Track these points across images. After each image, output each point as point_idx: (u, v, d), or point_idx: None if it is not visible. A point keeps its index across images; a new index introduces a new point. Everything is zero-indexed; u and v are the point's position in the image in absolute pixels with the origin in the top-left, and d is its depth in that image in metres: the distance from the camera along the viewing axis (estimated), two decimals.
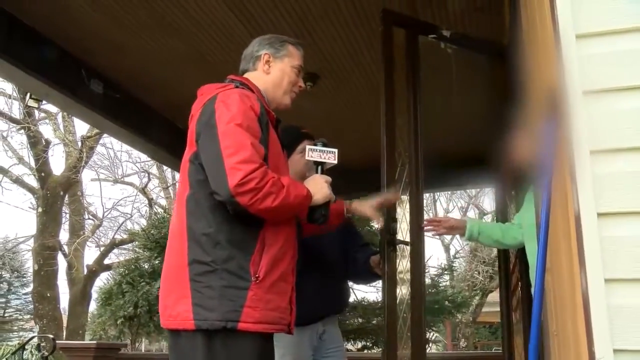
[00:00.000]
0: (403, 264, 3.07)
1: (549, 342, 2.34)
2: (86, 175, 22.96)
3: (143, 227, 12.16)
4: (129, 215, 17.57)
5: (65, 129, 14.75)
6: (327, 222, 2.09)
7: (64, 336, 13.60)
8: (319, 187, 2.01)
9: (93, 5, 4.03)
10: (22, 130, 14.21)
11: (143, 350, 15.59)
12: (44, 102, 6.66)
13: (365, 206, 2.58)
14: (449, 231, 3.09)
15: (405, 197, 3.14)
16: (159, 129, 5.61)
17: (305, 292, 2.64)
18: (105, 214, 17.44)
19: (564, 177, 1.58)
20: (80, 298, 14.54)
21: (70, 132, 14.81)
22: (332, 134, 5.69)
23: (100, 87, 4.96)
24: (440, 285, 11.85)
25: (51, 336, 5.99)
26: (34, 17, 4.22)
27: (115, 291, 9.75)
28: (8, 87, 13.45)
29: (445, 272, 13.13)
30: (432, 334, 13.28)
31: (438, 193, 19.20)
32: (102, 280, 14.10)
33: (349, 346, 10.48)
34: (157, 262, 9.46)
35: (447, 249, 21.31)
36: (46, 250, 13.75)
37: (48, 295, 13.72)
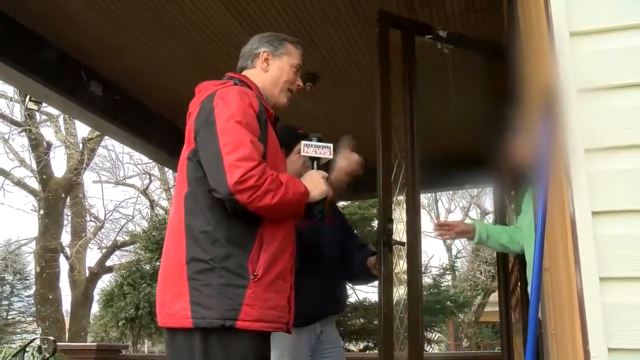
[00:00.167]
0: (400, 265, 3.07)
1: (547, 342, 2.33)
2: (88, 177, 23.04)
3: (144, 228, 12.19)
4: (130, 217, 17.60)
5: (66, 131, 14.78)
6: (324, 218, 2.09)
7: (67, 338, 13.63)
8: (315, 184, 2.01)
9: (91, 7, 4.03)
10: (24, 133, 14.24)
11: (146, 352, 15.59)
12: (44, 104, 6.67)
13: (339, 173, 2.56)
14: (458, 235, 3.07)
15: (402, 198, 3.14)
16: (158, 130, 5.61)
17: (303, 293, 2.64)
18: (107, 215, 17.50)
19: (560, 176, 1.57)
20: (83, 300, 14.56)
21: (72, 134, 14.84)
22: (331, 134, 5.74)
23: (99, 88, 4.95)
24: (442, 285, 11.86)
25: (52, 338, 5.99)
26: (32, 19, 4.21)
27: (116, 293, 9.79)
28: (9, 89, 13.50)
29: (447, 272, 13.12)
30: (434, 334, 13.28)
31: (439, 193, 19.22)
32: (104, 282, 14.12)
33: (351, 346, 10.48)
34: (158, 263, 9.47)
35: (449, 248, 21.30)
36: (48, 253, 13.78)
37: (50, 297, 13.74)
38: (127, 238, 16.00)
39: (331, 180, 2.34)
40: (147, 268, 10.00)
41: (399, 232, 3.08)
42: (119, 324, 9.34)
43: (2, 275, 23.07)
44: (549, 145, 1.60)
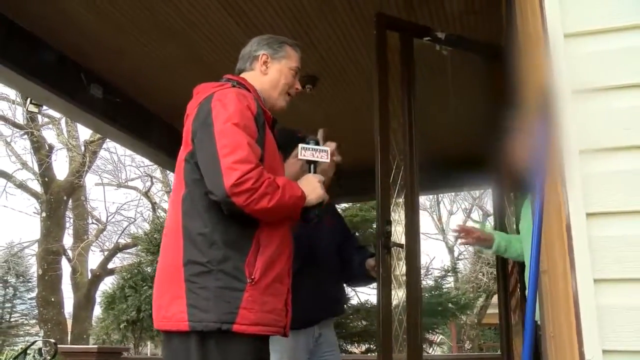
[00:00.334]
0: (399, 267, 3.07)
1: (546, 344, 2.33)
2: (90, 179, 23.04)
3: (146, 231, 12.20)
4: (132, 220, 17.60)
5: (68, 134, 14.81)
6: (320, 222, 2.08)
7: (69, 340, 13.64)
8: (312, 188, 2.00)
9: (91, 10, 4.03)
10: (26, 135, 14.28)
11: (149, 354, 15.59)
12: (44, 107, 6.68)
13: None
14: (477, 242, 3.04)
15: (401, 200, 3.13)
16: (159, 132, 5.61)
17: (301, 295, 2.64)
18: (109, 218, 17.50)
19: (556, 177, 1.57)
20: (85, 302, 14.58)
21: (74, 136, 14.87)
22: (332, 136, 5.74)
23: (100, 91, 4.96)
24: (444, 287, 11.85)
25: (53, 340, 6.00)
26: (32, 22, 4.22)
27: (118, 295, 9.79)
28: (11, 92, 13.53)
29: (449, 274, 13.10)
30: (437, 336, 13.26)
31: (441, 195, 19.21)
32: (106, 284, 14.15)
33: (353, 349, 10.48)
34: None
35: (450, 250, 21.29)
36: (50, 255, 13.80)
37: (52, 299, 13.77)
38: (129, 240, 16.01)
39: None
40: (149, 270, 9.99)
41: (398, 234, 3.08)
42: (121, 326, 9.34)
43: (5, 278, 23.09)
44: (545, 147, 1.60)
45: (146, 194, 16.89)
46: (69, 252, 15.36)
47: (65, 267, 15.07)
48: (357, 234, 9.69)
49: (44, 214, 14.23)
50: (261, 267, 1.84)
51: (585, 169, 1.46)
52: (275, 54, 2.20)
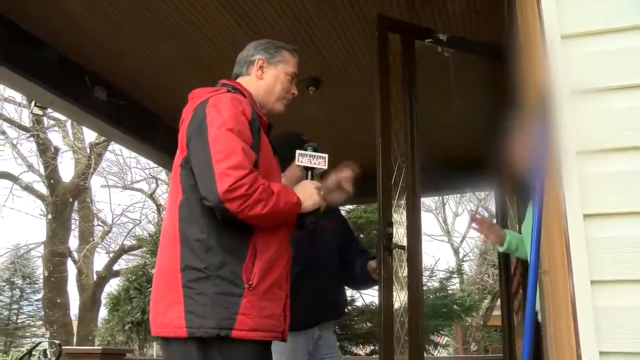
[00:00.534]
0: (401, 269, 3.06)
1: (547, 345, 2.32)
2: (95, 181, 23.12)
3: (151, 233, 12.22)
4: (137, 221, 17.64)
5: (74, 136, 14.87)
6: (316, 228, 2.07)
7: (75, 342, 13.69)
8: (308, 194, 1.99)
9: (94, 12, 4.04)
10: (32, 138, 14.34)
11: (154, 355, 15.63)
12: (49, 109, 6.70)
13: (333, 195, 2.31)
14: (488, 233, 3.05)
15: (402, 202, 3.13)
16: (162, 134, 5.61)
17: (302, 298, 2.64)
18: (114, 220, 17.55)
19: (555, 178, 1.57)
20: (90, 304, 14.63)
21: (79, 139, 14.92)
22: (335, 137, 5.74)
23: (104, 93, 4.96)
24: (449, 288, 11.81)
25: (57, 342, 6.02)
26: (36, 25, 4.23)
27: (123, 297, 9.81)
28: (17, 95, 13.58)
29: (454, 275, 13.08)
30: (442, 338, 13.24)
31: (447, 196, 19.19)
32: (112, 286, 14.19)
33: (357, 350, 10.47)
34: None
35: (456, 252, 21.26)
36: (56, 257, 13.86)
37: (58, 301, 13.82)
38: (134, 242, 16.04)
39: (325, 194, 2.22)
40: (154, 272, 10.01)
41: (400, 235, 3.08)
42: (125, 327, 9.35)
43: (12, 280, 23.19)
44: (544, 148, 1.60)
45: (151, 196, 16.92)
46: (75, 254, 15.42)
47: (71, 269, 15.15)
48: (361, 235, 9.68)
49: (49, 216, 14.29)
50: (259, 273, 1.83)
51: (583, 170, 1.46)
52: (272, 59, 2.19)
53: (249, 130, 1.91)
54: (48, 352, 6.00)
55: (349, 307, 9.90)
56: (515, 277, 3.45)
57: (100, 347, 6.48)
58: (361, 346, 10.50)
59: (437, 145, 5.02)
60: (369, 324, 10.04)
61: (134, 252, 16.43)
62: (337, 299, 2.92)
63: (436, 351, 11.59)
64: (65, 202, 14.25)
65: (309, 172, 2.11)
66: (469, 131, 4.32)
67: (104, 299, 13.97)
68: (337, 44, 4.41)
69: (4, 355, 14.71)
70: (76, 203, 15.00)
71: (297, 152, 2.10)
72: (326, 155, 2.12)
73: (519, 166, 2.32)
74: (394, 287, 2.93)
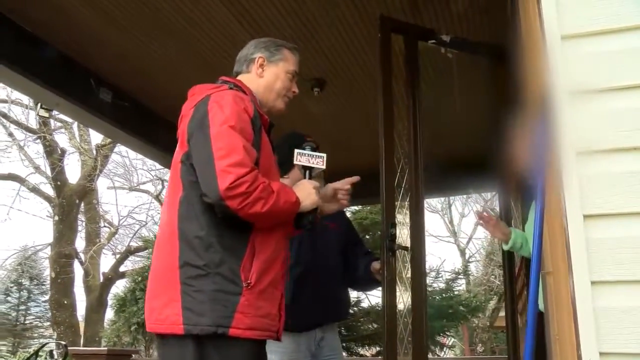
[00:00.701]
0: (405, 270, 3.06)
1: (550, 346, 2.32)
2: (101, 183, 23.18)
3: (157, 234, 12.23)
4: (144, 223, 17.67)
5: (80, 138, 14.93)
6: (314, 228, 2.07)
7: (82, 343, 13.72)
8: (307, 194, 1.98)
9: (97, 14, 4.05)
10: (39, 140, 14.41)
11: None
12: (54, 112, 6.73)
13: (327, 205, 2.28)
14: (494, 230, 3.07)
15: (406, 203, 3.13)
16: (166, 135, 5.61)
17: (303, 299, 2.66)
18: (121, 221, 17.57)
19: (556, 179, 1.56)
20: (97, 305, 14.68)
21: (86, 140, 14.98)
22: (340, 138, 5.74)
23: (109, 95, 4.98)
24: (455, 289, 11.78)
25: (63, 342, 6.04)
26: (41, 27, 4.25)
27: (129, 298, 9.83)
28: (24, 97, 13.64)
29: (460, 277, 13.05)
30: (448, 339, 13.19)
31: (453, 197, 19.16)
32: (118, 287, 14.22)
33: (363, 351, 10.46)
34: None
35: (462, 253, 21.22)
36: (63, 258, 13.92)
37: (65, 302, 13.89)
38: (140, 243, 16.07)
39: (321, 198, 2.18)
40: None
41: (403, 236, 3.08)
42: (131, 328, 9.38)
43: (20, 281, 23.27)
44: (545, 149, 1.60)
45: (157, 198, 16.95)
46: (82, 255, 15.46)
47: (78, 270, 15.20)
48: (367, 237, 9.67)
49: (56, 218, 14.36)
50: (257, 272, 1.84)
51: (583, 170, 1.46)
52: (272, 57, 2.19)
53: (250, 128, 1.91)
54: (55, 352, 6.02)
55: (355, 308, 9.89)
56: (520, 278, 3.45)
57: (106, 348, 6.50)
58: (367, 347, 10.49)
59: (440, 146, 5.02)
60: (374, 325, 10.03)
61: (140, 254, 16.45)
62: (339, 300, 2.92)
63: (442, 352, 11.56)
64: (72, 204, 14.31)
65: (307, 172, 2.10)
66: (472, 132, 4.32)
67: (110, 300, 14.04)
68: (340, 45, 4.41)
69: (12, 356, 14.77)
70: (83, 205, 15.06)
71: (296, 151, 2.10)
72: (324, 155, 2.11)
73: (521, 166, 2.32)
74: (397, 288, 2.93)
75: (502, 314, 17.59)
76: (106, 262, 17.72)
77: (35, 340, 22.20)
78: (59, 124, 14.68)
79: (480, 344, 18.26)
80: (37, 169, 15.43)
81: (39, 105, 5.69)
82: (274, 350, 2.61)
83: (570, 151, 1.47)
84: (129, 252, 16.47)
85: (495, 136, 3.13)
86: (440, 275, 11.31)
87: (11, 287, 22.99)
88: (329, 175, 2.95)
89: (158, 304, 1.85)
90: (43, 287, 23.12)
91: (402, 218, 3.14)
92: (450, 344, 15.79)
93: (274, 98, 2.18)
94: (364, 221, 9.75)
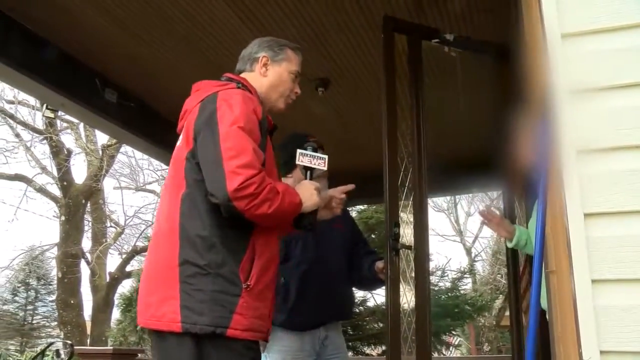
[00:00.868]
0: (409, 269, 3.06)
1: (554, 345, 2.32)
2: (107, 183, 23.25)
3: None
4: (150, 223, 17.70)
5: (86, 138, 14.98)
6: (314, 229, 2.08)
7: (88, 342, 13.77)
8: (308, 195, 1.99)
9: (102, 15, 4.06)
10: (45, 140, 14.47)
11: None
12: (60, 112, 6.77)
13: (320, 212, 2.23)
14: (497, 228, 3.07)
15: (409, 202, 3.13)
16: (172, 136, 5.62)
17: (307, 298, 2.67)
18: (127, 221, 17.61)
19: (557, 178, 1.57)
20: (103, 305, 14.73)
21: (92, 141, 15.04)
22: (344, 138, 5.75)
23: (114, 96, 4.99)
24: (461, 288, 11.76)
25: (69, 342, 6.08)
26: (45, 28, 4.27)
27: (135, 298, 9.86)
28: (31, 98, 13.70)
29: (466, 276, 13.02)
30: (455, 338, 13.17)
31: (459, 196, 19.13)
32: (124, 287, 14.26)
33: (369, 351, 10.45)
34: None
35: (468, 252, 21.19)
36: (69, 258, 13.98)
37: (72, 302, 13.94)
38: (146, 243, 16.10)
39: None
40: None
41: (407, 236, 3.08)
42: (137, 328, 9.41)
43: (27, 281, 23.36)
44: (547, 147, 1.60)
45: None
46: (88, 255, 15.52)
47: (84, 270, 15.26)
48: (372, 236, 9.67)
49: (63, 218, 14.42)
50: (257, 274, 1.85)
51: (583, 169, 1.46)
52: (276, 57, 2.18)
53: (258, 129, 1.91)
54: (61, 352, 6.06)
55: (361, 308, 9.89)
56: (524, 277, 3.44)
57: (111, 348, 6.52)
58: (373, 346, 10.49)
59: (444, 145, 5.02)
60: (380, 325, 10.03)
61: (146, 254, 16.50)
62: (344, 300, 2.93)
63: (448, 351, 11.54)
64: (78, 204, 14.37)
65: (309, 172, 2.11)
66: (476, 131, 4.31)
67: (116, 299, 14.05)
68: (345, 44, 4.41)
69: (20, 355, 14.84)
70: (89, 205, 15.12)
71: (298, 151, 2.11)
72: (326, 157, 2.13)
73: (524, 165, 2.32)
74: (401, 287, 2.93)
75: (509, 313, 17.55)
76: (112, 262, 17.81)
77: (43, 339, 22.27)
78: (65, 125, 14.74)
79: (486, 343, 18.23)
80: (43, 169, 15.51)
81: (44, 106, 5.72)
82: (278, 349, 2.63)
83: (571, 150, 1.47)
84: (135, 252, 16.51)
85: (499, 135, 3.13)
86: (446, 275, 11.28)
87: (19, 287, 23.07)
88: (333, 175, 2.96)
89: (154, 300, 1.85)
90: (50, 287, 23.19)
91: (406, 217, 3.14)
92: (456, 343, 15.78)
93: (275, 98, 2.18)
94: (369, 220, 9.75)
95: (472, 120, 4.51)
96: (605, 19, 1.52)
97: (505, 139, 2.72)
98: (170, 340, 1.82)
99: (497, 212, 3.32)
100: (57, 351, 5.74)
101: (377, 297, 10.65)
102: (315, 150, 2.12)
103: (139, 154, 15.89)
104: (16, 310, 22.89)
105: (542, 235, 1.78)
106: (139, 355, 6.67)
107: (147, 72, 4.89)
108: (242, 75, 2.19)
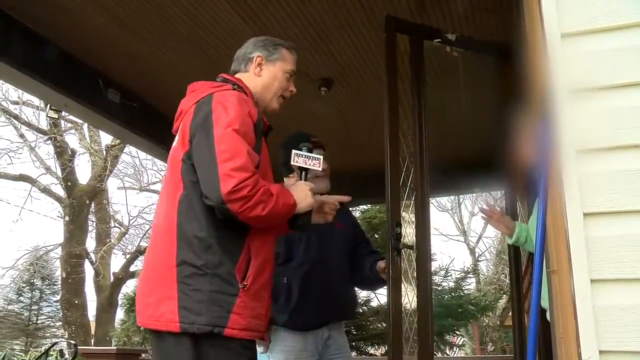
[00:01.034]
0: (411, 269, 3.07)
1: (555, 345, 2.32)
2: (111, 183, 23.27)
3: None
4: None
5: (90, 139, 15.01)
6: (308, 229, 2.08)
7: (92, 342, 13.80)
8: (303, 196, 1.99)
9: (105, 16, 4.07)
10: (49, 141, 14.50)
11: None
12: (64, 113, 6.77)
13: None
14: (497, 224, 3.07)
15: (411, 202, 3.13)
16: (174, 136, 5.64)
17: (310, 298, 2.67)
18: (131, 221, 17.65)
19: (557, 177, 1.57)
20: (107, 305, 14.75)
21: (96, 141, 15.07)
22: (347, 138, 5.75)
23: (117, 96, 5.00)
24: (465, 288, 11.74)
25: (73, 342, 6.10)
26: (48, 28, 4.28)
27: None
28: (35, 98, 13.73)
29: (469, 275, 13.00)
30: (458, 338, 13.14)
31: (463, 196, 19.10)
32: (128, 287, 14.29)
33: (373, 351, 10.44)
34: None
35: (472, 251, 21.16)
36: (73, 258, 14.00)
37: (76, 302, 13.97)
38: None
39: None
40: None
41: (409, 236, 3.08)
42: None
43: (32, 281, 23.43)
44: (547, 147, 1.60)
45: None
46: (92, 255, 15.56)
47: (88, 270, 15.29)
48: (376, 235, 9.66)
49: (67, 218, 14.45)
50: (253, 274, 1.86)
51: (583, 168, 1.46)
52: (270, 56, 2.19)
53: (253, 132, 1.92)
54: (65, 351, 6.08)
55: (364, 308, 9.88)
56: (526, 276, 3.44)
57: (115, 348, 6.54)
58: (376, 346, 10.48)
59: (446, 145, 5.01)
60: (384, 325, 10.02)
61: None
62: (346, 299, 2.93)
63: (452, 351, 11.52)
64: (82, 204, 14.40)
65: (304, 173, 2.11)
66: (478, 131, 4.31)
67: (120, 300, 14.10)
68: (347, 44, 4.41)
69: (25, 355, 14.89)
70: (93, 205, 15.15)
71: (293, 152, 2.11)
72: (321, 157, 2.12)
73: (525, 164, 2.32)
74: (403, 287, 2.93)
75: (511, 313, 17.50)
76: (116, 262, 17.81)
77: (48, 339, 22.34)
78: (69, 125, 14.77)
79: (490, 343, 18.19)
80: (47, 169, 15.55)
81: (48, 106, 5.73)
82: (281, 350, 2.64)
83: (570, 149, 1.47)
84: (139, 252, 16.52)
85: (501, 135, 3.13)
86: (449, 274, 11.27)
87: (23, 287, 23.15)
88: (335, 175, 2.97)
89: (153, 300, 1.86)
90: (55, 287, 23.26)
91: (408, 217, 3.15)
92: (460, 343, 15.75)
93: (270, 98, 2.18)
94: (372, 220, 9.74)
95: (474, 120, 4.51)
96: (604, 19, 1.52)
97: (506, 139, 2.72)
98: (169, 340, 1.83)
99: (498, 209, 3.32)
100: (61, 351, 5.76)
101: (381, 297, 10.64)
102: (310, 150, 2.12)
103: (142, 154, 15.92)
104: (21, 310, 22.98)
105: (542, 235, 1.77)
106: (143, 355, 6.69)
107: (149, 71, 4.90)
108: (237, 75, 2.19)
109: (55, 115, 6.35)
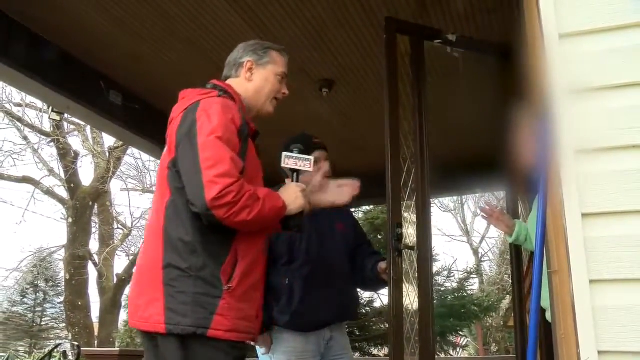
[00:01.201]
0: (412, 269, 3.07)
1: (557, 345, 2.31)
2: (115, 185, 23.30)
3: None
4: None
5: (93, 140, 15.04)
6: (302, 231, 2.09)
7: (96, 344, 13.81)
8: (293, 198, 2.01)
9: (107, 18, 4.08)
10: (52, 143, 14.53)
11: None
12: (66, 115, 6.79)
13: (317, 196, 2.24)
14: (497, 223, 3.09)
15: (412, 203, 3.13)
16: None
17: (311, 299, 2.67)
18: (134, 223, 17.66)
19: (554, 177, 1.57)
20: (111, 306, 14.77)
21: (99, 143, 15.09)
22: (348, 138, 5.75)
23: (119, 98, 5.02)
24: (468, 289, 11.74)
25: (76, 343, 6.11)
26: (50, 30, 4.29)
27: None
28: (38, 101, 13.77)
29: (473, 276, 13.00)
30: (462, 338, 13.14)
31: (466, 196, 19.09)
32: None
33: (376, 352, 10.45)
34: None
35: (475, 252, 21.13)
36: (77, 260, 14.02)
37: (79, 304, 13.98)
38: None
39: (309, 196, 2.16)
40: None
41: (410, 236, 3.08)
42: None
43: (35, 283, 23.48)
44: (546, 147, 1.60)
45: None
46: (95, 257, 15.58)
47: (92, 272, 15.30)
48: (379, 236, 9.67)
49: (70, 220, 14.47)
50: (240, 276, 1.88)
51: (581, 168, 1.46)
52: (260, 60, 2.19)
53: (237, 138, 1.93)
54: (69, 353, 6.09)
55: (367, 308, 9.89)
56: (528, 277, 3.44)
57: (118, 349, 6.55)
58: (379, 347, 10.50)
59: (447, 145, 5.01)
60: (387, 325, 10.02)
61: None
62: (348, 300, 2.92)
63: (455, 352, 11.52)
64: (86, 206, 14.42)
65: (295, 174, 2.12)
66: (479, 131, 4.31)
67: (124, 301, 14.11)
68: (349, 46, 4.41)
69: (28, 357, 14.92)
70: (96, 206, 15.16)
71: (283, 154, 2.11)
72: (312, 158, 2.13)
73: (525, 164, 2.32)
74: (404, 287, 2.93)
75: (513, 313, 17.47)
76: (120, 264, 17.89)
77: (51, 341, 22.36)
78: (72, 127, 14.79)
79: (494, 344, 18.18)
80: (51, 171, 15.58)
81: (50, 108, 5.74)
82: (283, 351, 2.64)
83: (569, 149, 1.47)
84: None
85: (502, 135, 3.13)
86: (452, 275, 11.28)
87: (27, 288, 23.20)
88: (337, 175, 2.96)
89: (142, 302, 1.90)
90: (58, 288, 23.29)
91: (409, 218, 3.15)
92: (464, 343, 15.74)
93: (263, 102, 2.19)
94: (375, 221, 9.76)
95: (475, 120, 4.50)
96: (602, 19, 1.52)
97: (507, 139, 2.72)
98: (158, 340, 1.87)
99: (498, 208, 3.33)
100: (65, 352, 5.77)
101: (384, 297, 10.64)
102: (302, 152, 2.12)
103: (145, 156, 15.94)
104: (25, 312, 23.00)
105: (542, 235, 1.77)
106: None
107: (151, 73, 4.91)
108: (228, 81, 2.20)
109: (58, 118, 6.37)
